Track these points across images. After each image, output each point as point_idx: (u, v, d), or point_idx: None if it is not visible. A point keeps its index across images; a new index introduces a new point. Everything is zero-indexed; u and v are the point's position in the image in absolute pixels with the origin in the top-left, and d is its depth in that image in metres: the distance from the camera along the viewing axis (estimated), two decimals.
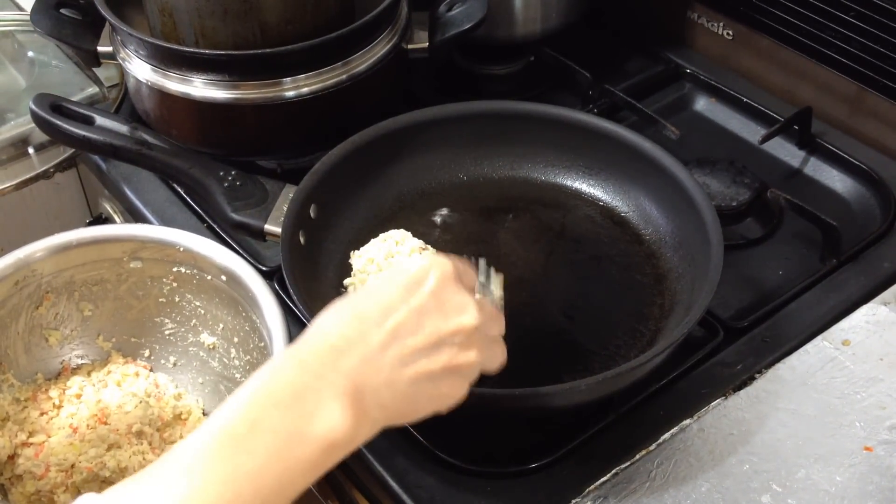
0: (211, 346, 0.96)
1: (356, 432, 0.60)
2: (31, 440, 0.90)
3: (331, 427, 0.58)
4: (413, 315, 0.63)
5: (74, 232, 0.94)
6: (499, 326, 0.70)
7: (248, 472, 0.56)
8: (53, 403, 0.93)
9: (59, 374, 0.96)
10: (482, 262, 0.81)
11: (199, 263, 0.92)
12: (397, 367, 0.62)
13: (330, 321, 0.63)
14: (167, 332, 0.98)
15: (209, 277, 0.93)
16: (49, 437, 0.90)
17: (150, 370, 0.98)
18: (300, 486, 0.58)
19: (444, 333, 0.64)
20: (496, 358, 0.69)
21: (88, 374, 0.96)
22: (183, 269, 0.94)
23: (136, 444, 0.89)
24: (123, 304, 0.97)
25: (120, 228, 0.98)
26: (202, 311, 0.95)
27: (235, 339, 0.93)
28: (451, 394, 0.66)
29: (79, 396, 0.93)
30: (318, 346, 0.61)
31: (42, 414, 0.92)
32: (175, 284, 0.95)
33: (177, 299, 0.96)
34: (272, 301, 0.86)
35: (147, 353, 0.98)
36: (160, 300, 0.96)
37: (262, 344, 0.87)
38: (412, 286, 0.64)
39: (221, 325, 0.94)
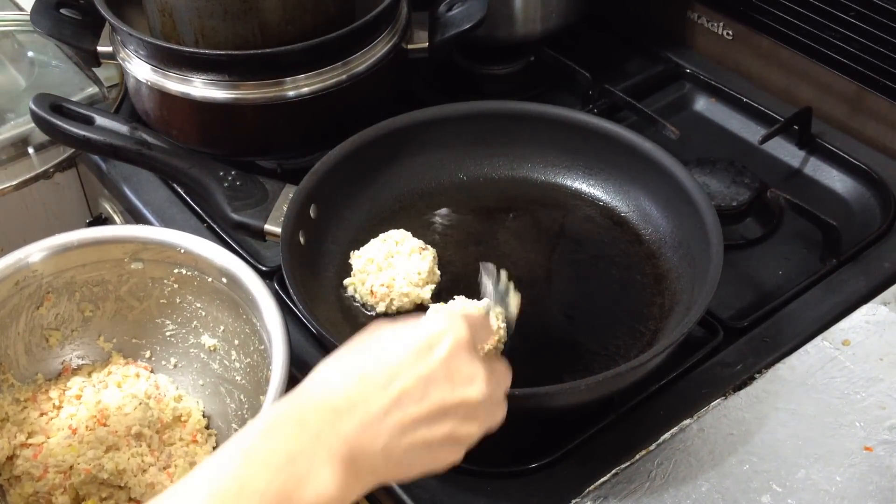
0: (212, 348, 0.96)
1: (345, 496, 0.59)
2: (30, 441, 0.90)
3: (321, 492, 0.57)
4: (420, 382, 0.61)
5: (75, 232, 0.94)
6: (505, 385, 0.68)
7: None
8: (53, 404, 0.93)
9: (60, 375, 0.96)
10: (503, 273, 0.79)
11: (199, 265, 0.92)
12: (396, 435, 0.60)
13: (335, 377, 0.61)
14: (168, 334, 0.98)
15: (210, 279, 0.93)
16: (48, 437, 0.90)
17: (151, 371, 0.98)
18: None
19: (448, 404, 0.62)
20: (496, 420, 0.67)
21: (89, 374, 0.96)
22: (184, 271, 0.94)
23: (135, 446, 0.89)
24: (124, 305, 0.97)
25: (121, 229, 0.98)
26: (203, 313, 0.95)
27: (236, 342, 0.93)
28: (446, 461, 0.64)
29: (79, 397, 0.93)
30: (319, 404, 0.60)
31: (42, 415, 0.92)
32: (176, 286, 0.95)
33: (178, 301, 0.96)
34: (272, 304, 0.86)
35: (148, 354, 0.98)
36: (161, 301, 0.96)
37: (263, 347, 0.87)
38: (423, 350, 0.62)
39: (222, 328, 0.94)
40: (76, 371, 0.97)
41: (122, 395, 0.93)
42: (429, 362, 0.62)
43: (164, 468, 0.89)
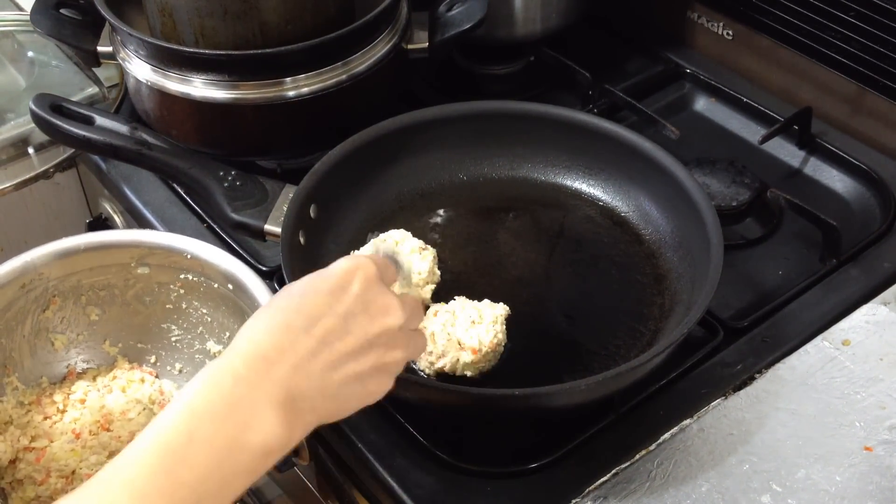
0: (217, 354, 0.96)
1: (290, 437, 0.61)
2: (33, 445, 0.90)
3: (266, 435, 0.60)
4: (340, 319, 0.64)
5: (82, 236, 0.94)
6: (419, 318, 0.72)
7: (188, 484, 0.57)
8: (57, 408, 0.93)
9: (65, 379, 0.96)
10: (396, 248, 0.88)
11: (205, 271, 0.93)
12: (327, 372, 0.63)
13: (261, 331, 0.63)
14: (174, 339, 0.98)
15: (216, 285, 0.93)
16: (51, 441, 0.90)
17: (156, 376, 0.98)
18: (239, 491, 0.60)
19: (370, 335, 0.65)
20: (418, 348, 0.72)
21: (94, 378, 0.96)
22: (190, 276, 0.94)
23: None
24: (130, 310, 0.97)
25: (127, 234, 0.98)
26: (209, 319, 0.95)
27: None
28: (379, 390, 0.67)
29: (83, 401, 0.93)
30: (250, 356, 0.62)
31: (45, 418, 0.92)
32: (182, 291, 0.95)
33: (184, 306, 0.96)
34: None
35: (153, 359, 0.98)
36: (167, 306, 0.96)
37: None
38: (337, 290, 0.65)
39: (228, 334, 0.94)
40: (81, 375, 0.97)
41: (126, 399, 0.93)
42: (345, 300, 0.65)
43: None
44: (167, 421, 0.59)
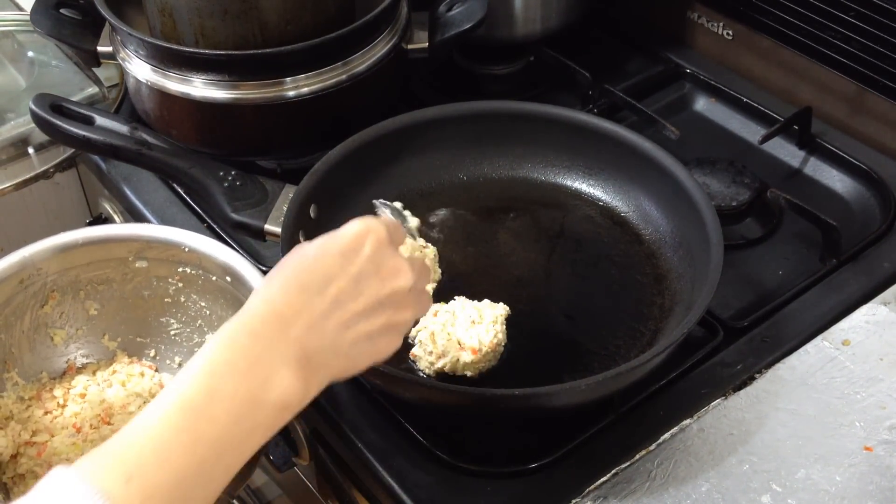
0: None
1: (306, 393, 0.64)
2: (34, 439, 0.90)
3: (284, 391, 0.62)
4: (352, 281, 0.66)
5: (79, 231, 0.94)
6: (427, 279, 0.74)
7: (209, 439, 0.59)
8: (58, 402, 0.93)
9: (64, 373, 0.96)
10: (397, 204, 0.91)
11: (203, 264, 0.93)
12: (340, 331, 0.65)
13: (276, 292, 0.65)
14: (173, 333, 0.98)
15: (214, 278, 0.93)
16: (52, 436, 0.90)
17: (156, 370, 0.98)
18: (257, 446, 0.62)
19: (381, 296, 0.67)
20: (425, 308, 0.74)
21: (93, 373, 0.96)
22: (188, 270, 0.94)
23: None
24: (129, 304, 0.97)
25: (125, 228, 0.98)
26: (207, 312, 0.95)
27: None
28: (388, 349, 0.69)
29: (83, 396, 0.93)
30: (267, 316, 0.64)
31: (46, 413, 0.92)
32: (181, 284, 0.95)
33: (182, 299, 0.96)
34: None
35: (153, 352, 0.98)
36: (166, 300, 0.96)
37: None
38: (349, 253, 0.67)
39: None
40: (81, 369, 0.97)
41: (126, 393, 0.94)
42: (356, 262, 0.67)
43: None
44: (188, 379, 0.61)
